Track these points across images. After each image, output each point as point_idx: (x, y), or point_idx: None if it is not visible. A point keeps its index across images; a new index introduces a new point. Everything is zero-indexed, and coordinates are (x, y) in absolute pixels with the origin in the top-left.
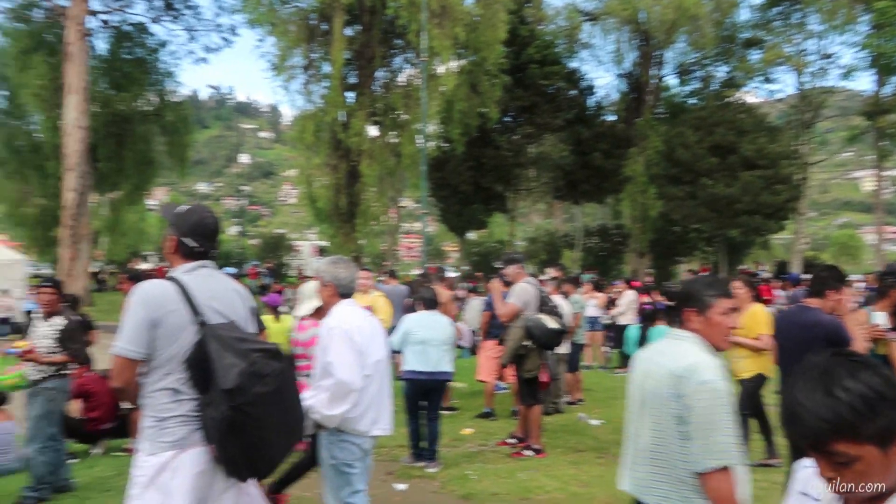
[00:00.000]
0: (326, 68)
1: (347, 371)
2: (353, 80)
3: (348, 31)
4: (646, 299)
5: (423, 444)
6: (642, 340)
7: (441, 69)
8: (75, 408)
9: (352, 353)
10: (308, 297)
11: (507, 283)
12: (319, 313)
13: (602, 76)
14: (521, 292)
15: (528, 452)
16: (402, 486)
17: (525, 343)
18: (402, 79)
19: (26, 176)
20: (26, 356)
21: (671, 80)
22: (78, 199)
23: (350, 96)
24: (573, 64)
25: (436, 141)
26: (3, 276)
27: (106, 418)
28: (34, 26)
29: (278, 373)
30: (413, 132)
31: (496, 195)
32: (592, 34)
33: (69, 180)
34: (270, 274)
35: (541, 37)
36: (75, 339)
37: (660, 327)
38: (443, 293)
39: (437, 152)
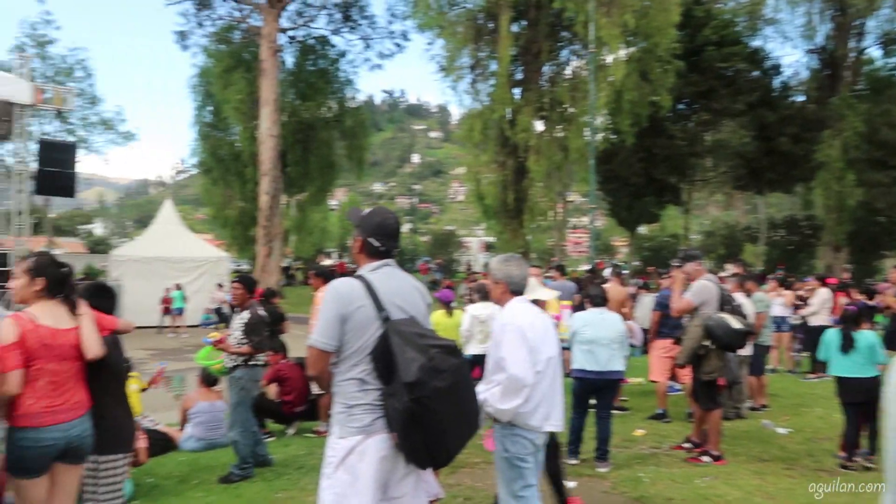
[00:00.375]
0: (493, 66)
1: (519, 367)
2: (519, 76)
3: (514, 28)
4: (843, 298)
5: (581, 444)
6: (846, 345)
7: (609, 59)
8: (272, 391)
9: (524, 349)
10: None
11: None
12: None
13: (789, 53)
14: (700, 290)
15: (705, 458)
16: (571, 484)
17: (705, 343)
18: (568, 72)
19: (229, 181)
20: (217, 345)
21: (874, 53)
22: (271, 202)
23: (517, 92)
24: (755, 42)
25: (604, 133)
26: (211, 272)
27: (298, 402)
28: (234, 47)
29: (455, 368)
30: (581, 125)
31: (669, 187)
32: (778, 8)
33: (263, 184)
34: (440, 270)
35: (718, 16)
36: (257, 332)
37: (865, 332)
38: (619, 290)
39: (605, 144)
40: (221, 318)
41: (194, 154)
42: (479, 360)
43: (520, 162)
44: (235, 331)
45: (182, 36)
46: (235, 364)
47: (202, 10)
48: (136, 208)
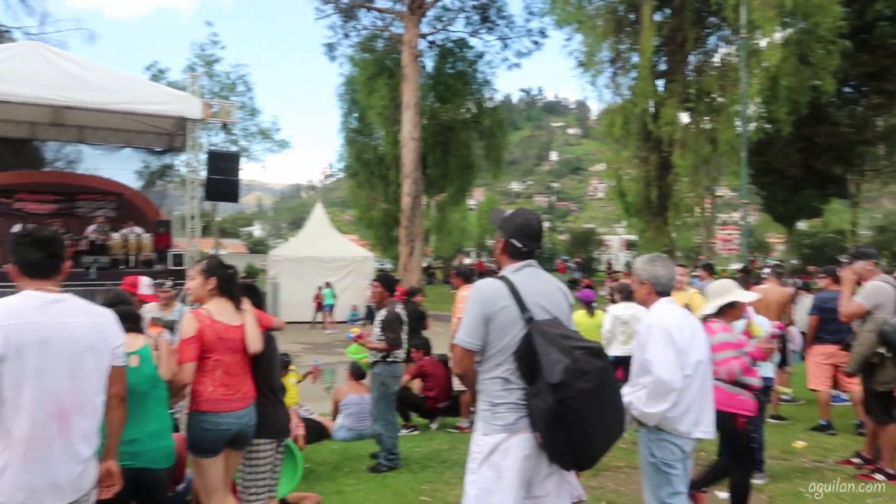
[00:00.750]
0: (635, 58)
1: (666, 369)
2: (662, 67)
3: (657, 17)
4: None
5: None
6: None
7: (763, 43)
8: (416, 387)
9: (671, 351)
10: (716, 295)
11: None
12: (728, 313)
13: None
14: (873, 291)
15: (879, 476)
16: (724, 495)
17: (879, 350)
18: (717, 59)
19: (373, 184)
20: (357, 340)
21: None
22: (412, 203)
23: (660, 84)
24: None
25: (757, 122)
26: (358, 271)
27: (441, 398)
28: (377, 55)
29: (599, 370)
30: (731, 115)
31: (833, 178)
32: None
33: (405, 186)
34: (579, 268)
35: None
36: (393, 329)
37: None
38: (778, 291)
39: (759, 135)
40: (370, 315)
41: (341, 159)
42: (621, 362)
43: (664, 156)
44: (375, 328)
45: (330, 48)
46: (375, 360)
47: (348, 22)
48: (290, 211)
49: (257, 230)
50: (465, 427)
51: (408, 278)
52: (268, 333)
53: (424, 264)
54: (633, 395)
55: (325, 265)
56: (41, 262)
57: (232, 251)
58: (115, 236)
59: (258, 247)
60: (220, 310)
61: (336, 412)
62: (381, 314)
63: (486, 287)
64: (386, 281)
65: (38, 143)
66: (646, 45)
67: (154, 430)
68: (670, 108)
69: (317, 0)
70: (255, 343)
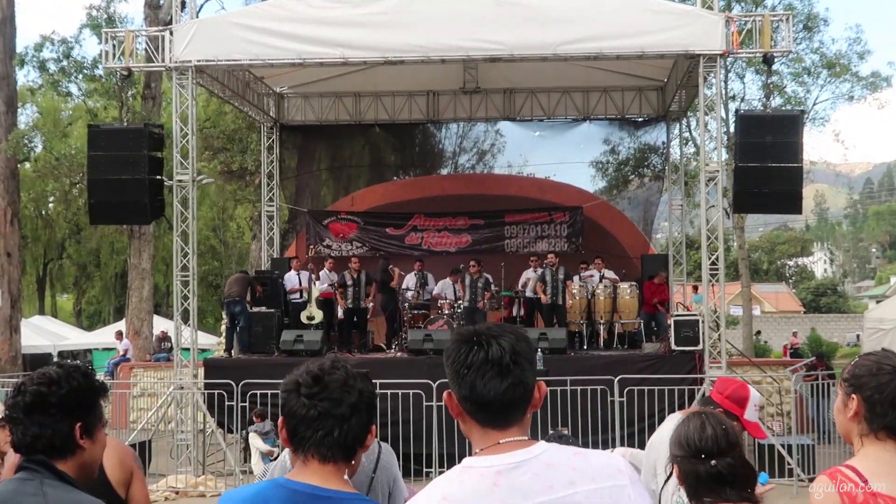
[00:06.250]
0: None
1: None
2: None
3: None
4: None
5: None
6: None
7: None
8: None
9: None
10: None
11: None
12: None
13: None
14: None
15: None
16: None
17: None
18: None
19: None
20: None
21: None
22: None
23: None
24: None
25: None
26: None
27: None
28: None
29: None
30: None
31: None
32: None
33: None
34: None
35: None
36: None
37: None
38: None
39: None
40: None
41: None
42: None
43: None
44: None
45: None
46: None
47: None
48: (883, 219)
49: (818, 263)
50: None
51: None
52: None
53: None
54: None
55: None
56: (502, 400)
57: (773, 309)
58: (573, 289)
59: (822, 298)
60: (878, 465)
61: None
62: None
63: None
64: None
65: (431, 127)
66: None
67: None
68: None
69: None
70: None
